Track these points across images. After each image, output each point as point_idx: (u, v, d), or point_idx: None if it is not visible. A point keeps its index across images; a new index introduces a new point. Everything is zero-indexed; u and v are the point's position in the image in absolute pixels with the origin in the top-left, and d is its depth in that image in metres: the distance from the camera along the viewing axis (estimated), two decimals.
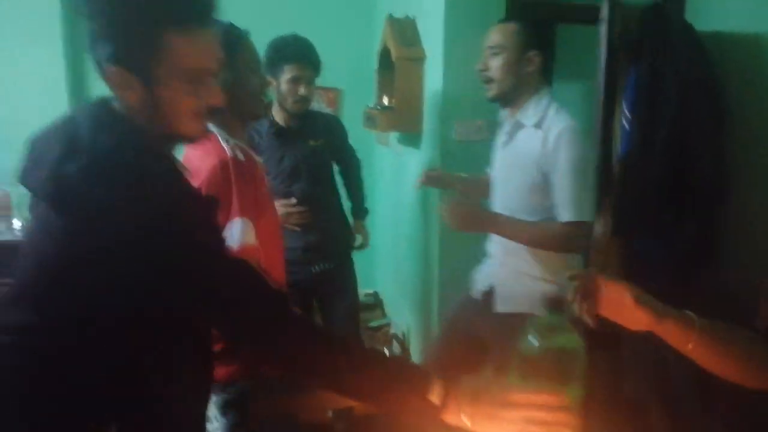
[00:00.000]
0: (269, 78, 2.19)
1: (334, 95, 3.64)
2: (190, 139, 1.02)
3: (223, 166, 1.30)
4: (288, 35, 2.19)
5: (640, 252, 2.46)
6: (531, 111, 1.66)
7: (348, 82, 3.62)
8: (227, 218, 1.28)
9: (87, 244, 0.86)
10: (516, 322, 1.66)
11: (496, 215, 1.70)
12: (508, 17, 2.32)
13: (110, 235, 0.85)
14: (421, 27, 2.58)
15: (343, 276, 2.45)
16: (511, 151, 1.73)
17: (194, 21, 0.90)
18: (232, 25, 1.40)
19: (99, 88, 3.28)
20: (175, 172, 0.96)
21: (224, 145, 1.35)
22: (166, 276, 0.86)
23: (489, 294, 1.80)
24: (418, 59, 2.50)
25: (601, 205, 2.52)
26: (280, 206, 2.27)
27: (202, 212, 0.95)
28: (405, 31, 2.55)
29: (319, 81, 3.46)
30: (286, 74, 2.13)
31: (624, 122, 2.33)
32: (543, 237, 1.65)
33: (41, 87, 3.12)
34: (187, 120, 0.95)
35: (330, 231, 2.34)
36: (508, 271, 1.77)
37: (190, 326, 0.98)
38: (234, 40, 1.39)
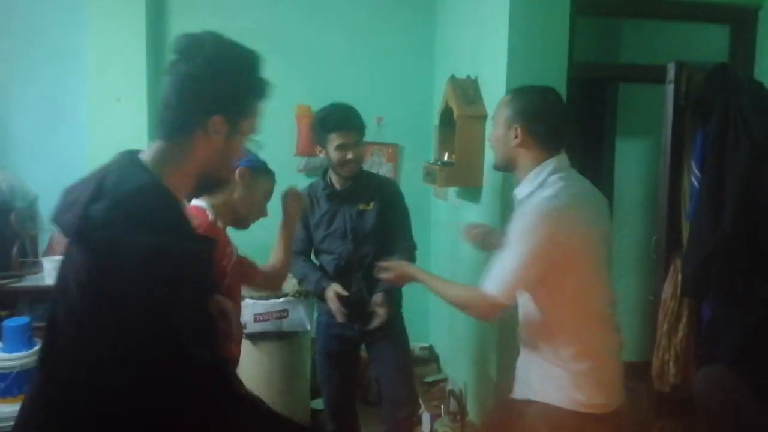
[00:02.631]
0: (318, 147, 2.33)
1: (394, 151, 3.73)
2: (223, 182, 1.37)
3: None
4: (331, 105, 2.33)
5: (709, 314, 2.36)
6: (527, 186, 1.61)
7: (407, 139, 3.73)
8: None
9: (105, 278, 0.99)
10: (525, 409, 1.62)
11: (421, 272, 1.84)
12: (570, 77, 2.36)
13: (124, 269, 0.98)
14: (483, 86, 2.65)
15: (389, 337, 2.42)
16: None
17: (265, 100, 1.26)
18: (260, 159, 1.83)
19: None
20: (183, 215, 1.12)
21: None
22: (161, 307, 1.00)
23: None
24: (480, 117, 2.55)
25: (669, 265, 2.45)
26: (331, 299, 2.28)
27: (201, 252, 1.11)
28: (467, 90, 2.62)
29: (381, 137, 3.61)
30: (333, 142, 2.25)
31: (694, 181, 2.29)
32: (455, 297, 1.69)
33: (123, 142, 3.31)
34: (229, 166, 1.29)
35: (373, 293, 2.33)
36: (523, 356, 1.72)
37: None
38: (261, 170, 1.81)
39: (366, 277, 2.33)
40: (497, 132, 1.67)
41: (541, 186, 1.55)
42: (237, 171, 1.76)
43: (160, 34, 3.48)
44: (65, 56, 3.43)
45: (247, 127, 1.22)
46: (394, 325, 2.45)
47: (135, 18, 3.34)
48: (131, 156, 1.13)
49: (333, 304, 2.27)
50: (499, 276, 1.51)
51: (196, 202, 1.81)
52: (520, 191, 1.62)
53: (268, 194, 1.86)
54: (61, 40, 3.42)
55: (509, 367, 1.86)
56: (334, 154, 2.26)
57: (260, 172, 1.81)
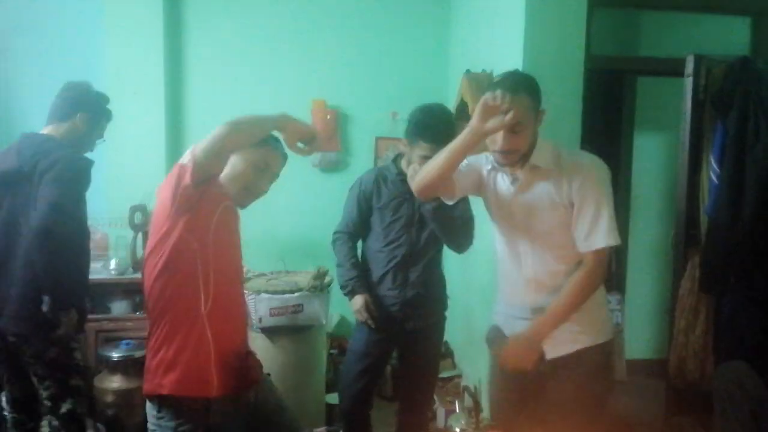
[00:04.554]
0: (404, 140, 2.22)
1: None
2: None
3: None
4: (429, 109, 2.21)
5: (728, 310, 2.33)
6: (541, 153, 1.67)
7: None
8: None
9: None
10: (565, 362, 1.68)
11: (535, 327, 1.66)
12: (587, 72, 2.34)
13: None
14: None
15: (434, 335, 2.41)
16: (531, 193, 1.70)
17: None
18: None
19: (193, 137, 3.53)
20: None
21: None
22: None
23: None
24: None
25: (687, 261, 2.42)
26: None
27: None
28: (482, 84, 2.61)
29: (396, 132, 3.60)
30: (418, 150, 2.13)
31: (713, 176, 2.26)
32: (580, 294, 1.65)
33: (142, 135, 3.35)
34: None
35: (429, 288, 2.33)
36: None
37: None
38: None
39: (424, 269, 2.30)
40: (530, 129, 1.63)
41: (558, 154, 1.67)
42: None
43: (177, 28, 3.50)
44: (82, 48, 3.46)
45: None
46: (435, 331, 2.41)
47: (152, 11, 3.37)
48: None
49: (360, 316, 2.27)
50: (606, 227, 1.62)
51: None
52: (543, 161, 1.67)
53: (265, 167, 1.77)
54: (79, 32, 3.46)
55: None
56: (416, 159, 2.14)
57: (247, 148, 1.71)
